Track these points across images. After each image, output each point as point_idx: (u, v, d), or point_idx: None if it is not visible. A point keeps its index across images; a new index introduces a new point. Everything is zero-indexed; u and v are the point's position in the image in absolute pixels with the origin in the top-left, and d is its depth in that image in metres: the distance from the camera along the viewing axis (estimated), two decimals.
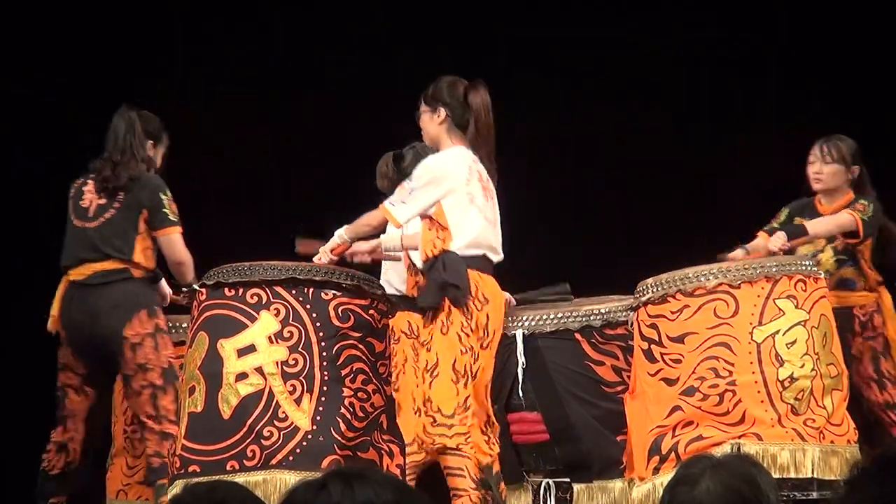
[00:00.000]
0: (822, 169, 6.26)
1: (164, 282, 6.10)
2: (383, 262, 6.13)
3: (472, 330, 5.19)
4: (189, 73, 8.64)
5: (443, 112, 5.41)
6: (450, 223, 5.29)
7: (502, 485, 5.45)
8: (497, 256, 5.47)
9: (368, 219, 5.48)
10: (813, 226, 6.06)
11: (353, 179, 7.80)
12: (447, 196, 5.30)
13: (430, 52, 8.81)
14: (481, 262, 5.34)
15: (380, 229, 5.66)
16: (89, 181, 6.04)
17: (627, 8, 9.22)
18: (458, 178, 5.33)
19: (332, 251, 5.49)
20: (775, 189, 7.58)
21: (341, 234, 5.50)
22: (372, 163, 7.46)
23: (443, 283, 5.19)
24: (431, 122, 5.42)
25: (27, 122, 8.30)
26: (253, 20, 8.91)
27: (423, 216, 5.35)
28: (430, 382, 5.18)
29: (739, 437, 5.08)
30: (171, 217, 5.80)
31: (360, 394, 5.17)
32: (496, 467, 5.42)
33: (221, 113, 8.44)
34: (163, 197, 5.80)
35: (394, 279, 6.06)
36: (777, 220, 6.32)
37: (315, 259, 5.51)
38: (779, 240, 5.88)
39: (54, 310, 5.90)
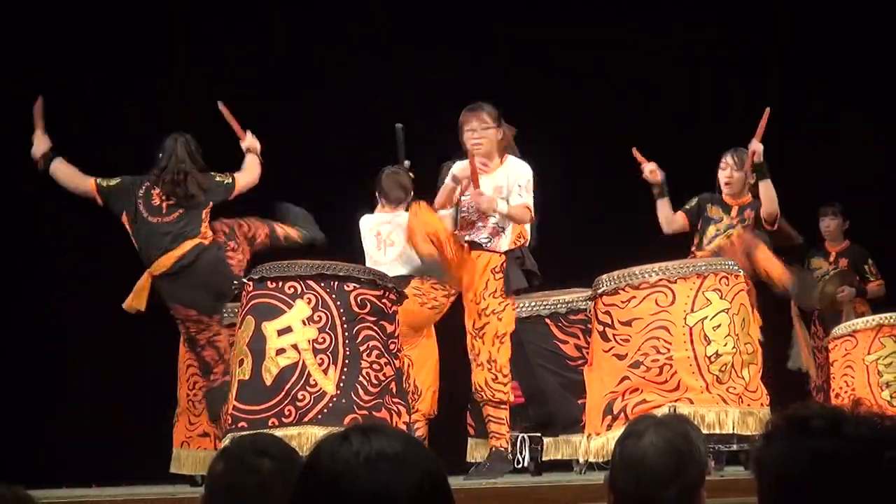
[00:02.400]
0: (732, 175, 7.24)
1: None
2: (367, 257, 7.13)
3: None
4: (189, 73, 8.62)
5: (503, 131, 6.46)
6: None
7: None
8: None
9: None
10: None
11: (353, 179, 7.81)
12: None
13: (430, 52, 8.81)
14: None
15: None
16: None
17: (627, 8, 9.23)
18: None
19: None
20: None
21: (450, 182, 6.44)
22: (372, 163, 7.48)
23: (528, 271, 6.38)
24: (497, 136, 6.43)
25: (27, 122, 8.29)
26: (253, 20, 8.90)
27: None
28: (499, 347, 6.32)
29: (675, 401, 6.06)
30: (227, 181, 6.99)
31: (374, 365, 6.08)
32: None
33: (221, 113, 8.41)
34: (216, 177, 6.98)
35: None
36: (688, 205, 7.38)
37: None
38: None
39: None
